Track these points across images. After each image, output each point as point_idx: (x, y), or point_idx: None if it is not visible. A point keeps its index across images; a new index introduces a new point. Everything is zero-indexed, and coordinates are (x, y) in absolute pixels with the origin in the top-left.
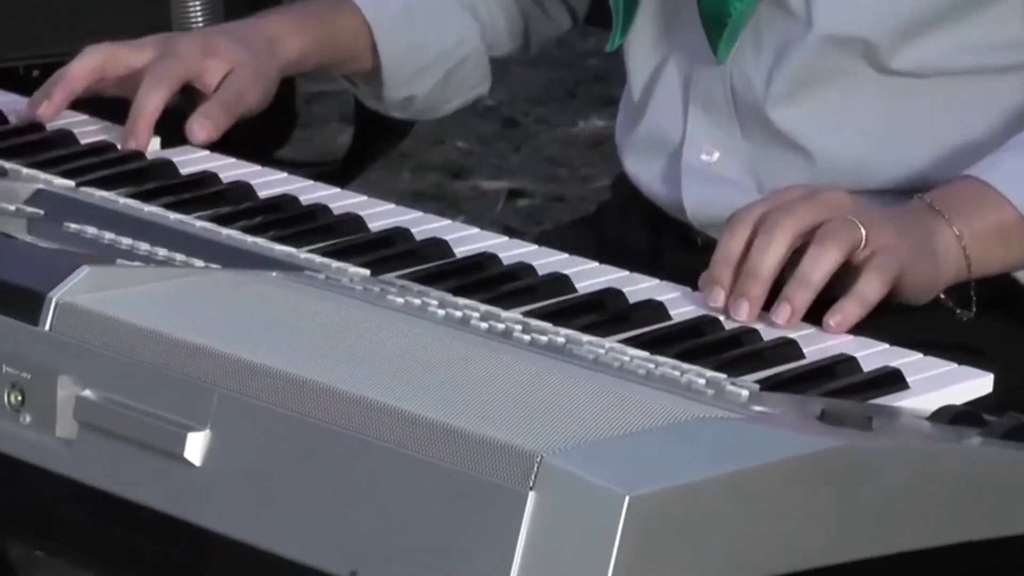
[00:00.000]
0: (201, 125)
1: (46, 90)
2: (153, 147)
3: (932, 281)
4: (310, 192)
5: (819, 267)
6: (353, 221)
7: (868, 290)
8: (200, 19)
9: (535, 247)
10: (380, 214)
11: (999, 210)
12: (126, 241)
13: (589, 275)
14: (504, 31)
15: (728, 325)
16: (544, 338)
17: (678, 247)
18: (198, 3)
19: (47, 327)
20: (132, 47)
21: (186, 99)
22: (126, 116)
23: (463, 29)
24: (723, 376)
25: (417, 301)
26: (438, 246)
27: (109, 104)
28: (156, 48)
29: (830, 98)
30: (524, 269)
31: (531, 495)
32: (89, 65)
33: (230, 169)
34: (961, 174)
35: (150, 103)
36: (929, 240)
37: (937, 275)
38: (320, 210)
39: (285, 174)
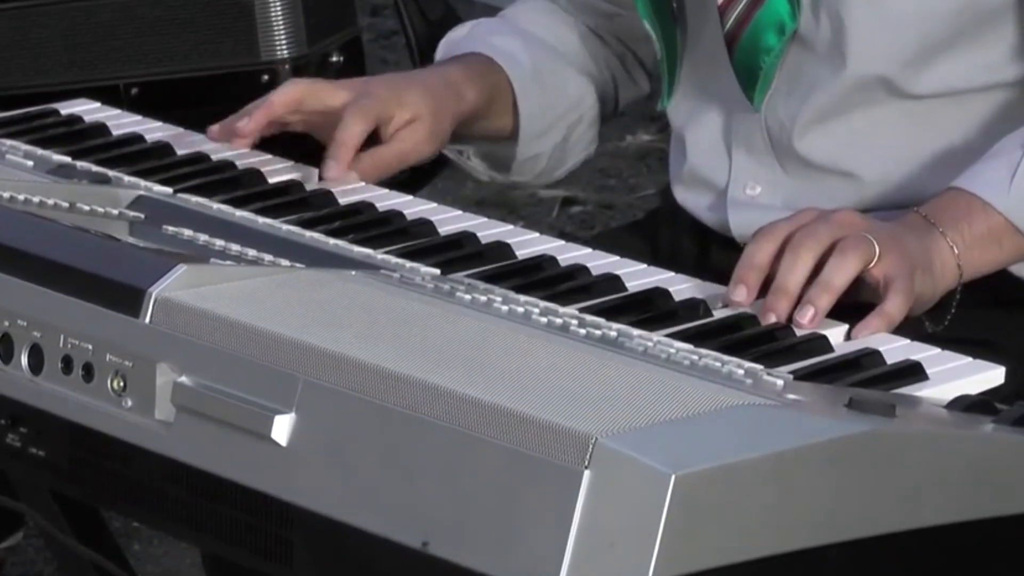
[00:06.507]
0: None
1: (248, 110)
2: (352, 177)
3: (931, 293)
4: (385, 199)
5: (840, 275)
6: (424, 225)
7: (893, 309)
8: (284, 42)
9: (589, 250)
10: (448, 219)
11: (987, 217)
12: (219, 243)
13: (638, 276)
14: (607, 94)
15: (764, 321)
16: (598, 332)
17: (723, 252)
18: (282, 25)
19: (147, 320)
20: (331, 86)
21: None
22: (204, 128)
23: (581, 88)
24: (760, 367)
25: (483, 298)
26: (501, 248)
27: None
28: (354, 90)
29: (854, 126)
30: (579, 270)
31: (586, 474)
32: (291, 95)
33: (314, 178)
34: (948, 186)
35: (353, 134)
36: (928, 255)
37: (935, 287)
38: (394, 215)
39: (362, 183)
